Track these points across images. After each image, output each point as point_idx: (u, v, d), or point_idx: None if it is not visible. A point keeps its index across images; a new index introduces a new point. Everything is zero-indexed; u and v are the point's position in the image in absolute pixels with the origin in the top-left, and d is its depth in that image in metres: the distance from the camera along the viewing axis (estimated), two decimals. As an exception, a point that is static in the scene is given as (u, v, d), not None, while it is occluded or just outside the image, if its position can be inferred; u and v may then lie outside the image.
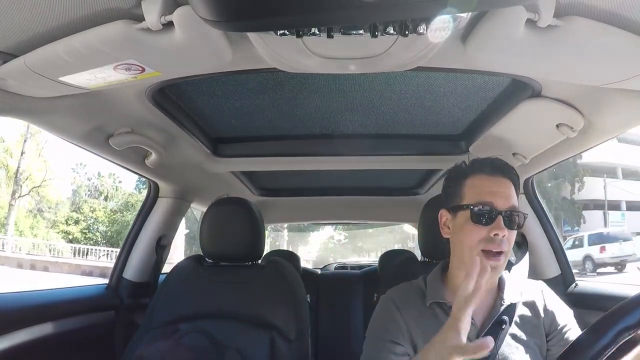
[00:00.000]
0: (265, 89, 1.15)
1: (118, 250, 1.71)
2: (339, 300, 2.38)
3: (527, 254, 1.38)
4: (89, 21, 0.66)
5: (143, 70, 0.77)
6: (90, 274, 13.05)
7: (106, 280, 1.58)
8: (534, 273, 1.47)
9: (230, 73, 0.90)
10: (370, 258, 8.27)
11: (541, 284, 0.93)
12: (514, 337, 0.82)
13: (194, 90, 1.13)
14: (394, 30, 0.56)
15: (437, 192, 1.15)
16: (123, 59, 0.72)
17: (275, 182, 2.29)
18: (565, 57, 0.72)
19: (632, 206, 20.44)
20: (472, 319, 0.82)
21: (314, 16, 0.45)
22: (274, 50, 0.71)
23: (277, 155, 1.55)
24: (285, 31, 0.59)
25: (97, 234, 21.83)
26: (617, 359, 0.50)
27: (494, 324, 0.82)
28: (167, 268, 1.51)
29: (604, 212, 18.71)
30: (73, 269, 13.63)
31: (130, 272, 1.57)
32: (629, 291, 1.25)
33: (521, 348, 0.81)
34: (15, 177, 18.58)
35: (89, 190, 23.30)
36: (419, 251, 1.30)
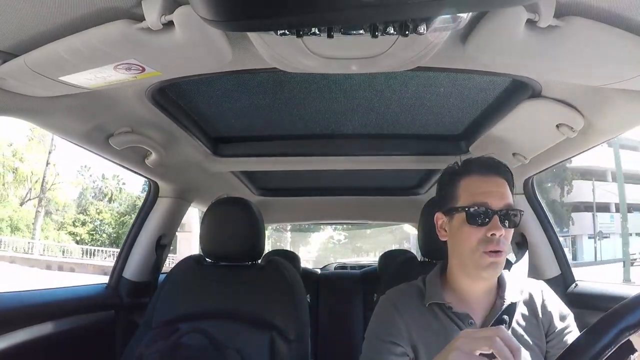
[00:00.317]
0: (265, 89, 1.15)
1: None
2: (339, 300, 2.38)
3: (527, 253, 1.38)
4: (89, 21, 0.66)
5: (143, 70, 0.77)
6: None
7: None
8: (534, 273, 1.47)
9: (230, 73, 0.90)
10: (369, 258, 8.28)
11: (541, 284, 0.93)
12: (515, 336, 0.82)
13: (194, 90, 1.13)
14: (394, 30, 0.56)
15: (437, 192, 1.15)
16: (123, 59, 0.72)
17: (275, 182, 2.29)
18: (566, 57, 0.72)
19: (618, 208, 20.66)
20: (472, 318, 0.83)
21: (314, 16, 0.45)
22: (274, 50, 0.71)
23: (277, 155, 1.55)
24: (285, 31, 0.59)
25: (104, 235, 22.30)
26: None
27: (494, 323, 0.81)
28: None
29: (592, 214, 19.30)
30: (97, 270, 14.02)
31: (130, 272, 1.57)
32: (629, 291, 1.26)
33: (523, 346, 0.81)
34: (42, 186, 19.82)
35: (94, 193, 23.76)
36: (414, 251, 1.30)
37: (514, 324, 0.83)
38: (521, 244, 1.58)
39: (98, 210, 22.61)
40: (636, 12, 0.63)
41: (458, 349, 0.59)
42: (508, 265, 1.00)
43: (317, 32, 0.58)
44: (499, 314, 0.82)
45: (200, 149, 1.43)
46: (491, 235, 0.78)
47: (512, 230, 0.81)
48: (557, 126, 1.04)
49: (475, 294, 0.85)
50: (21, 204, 20.31)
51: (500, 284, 0.87)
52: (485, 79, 1.06)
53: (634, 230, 19.82)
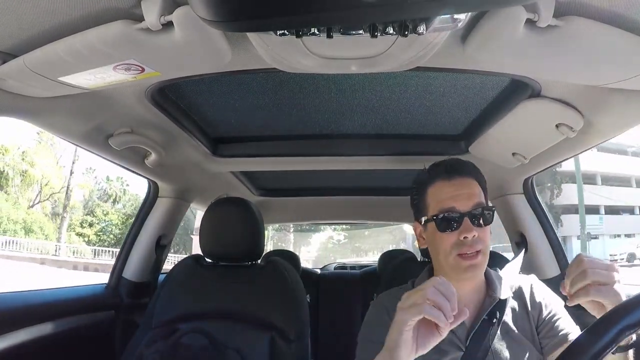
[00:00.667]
0: (265, 89, 1.15)
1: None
2: (338, 300, 2.38)
3: (523, 252, 1.39)
4: (89, 21, 0.66)
5: (143, 70, 0.77)
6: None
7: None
8: (534, 273, 1.47)
9: (229, 73, 0.90)
10: (369, 258, 8.29)
11: (531, 278, 0.93)
12: (506, 332, 0.82)
13: (193, 90, 1.13)
14: (393, 30, 0.56)
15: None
16: (123, 59, 0.72)
17: (275, 182, 2.29)
18: (565, 57, 0.72)
19: (610, 210, 22.26)
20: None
21: (314, 16, 0.45)
22: (273, 50, 0.71)
23: (277, 156, 1.55)
24: (285, 31, 0.59)
25: (111, 235, 22.73)
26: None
27: (484, 321, 0.82)
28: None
29: (581, 216, 19.59)
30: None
31: (130, 272, 1.57)
32: (630, 291, 1.25)
33: (514, 343, 0.81)
34: (66, 193, 20.58)
35: (99, 195, 24.25)
36: (411, 250, 1.30)
37: (504, 320, 0.83)
38: (521, 243, 1.58)
39: (105, 212, 23.19)
40: (635, 12, 0.63)
41: (396, 324, 0.62)
42: (502, 263, 1.00)
43: (317, 32, 0.58)
44: (488, 312, 0.82)
45: (199, 149, 1.43)
46: (463, 238, 0.78)
47: (487, 228, 0.82)
48: (557, 126, 1.04)
49: (463, 294, 0.85)
50: (30, 207, 20.86)
51: (490, 282, 0.87)
52: (485, 79, 1.06)
53: (623, 231, 21.43)
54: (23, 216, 19.51)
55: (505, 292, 0.85)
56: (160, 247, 1.65)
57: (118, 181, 23.84)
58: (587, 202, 19.77)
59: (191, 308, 1.23)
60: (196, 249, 1.72)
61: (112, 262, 1.73)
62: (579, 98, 0.94)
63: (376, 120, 1.37)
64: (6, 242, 16.57)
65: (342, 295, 2.39)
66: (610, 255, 17.48)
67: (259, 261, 1.36)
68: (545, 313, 0.85)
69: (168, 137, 1.27)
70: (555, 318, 0.83)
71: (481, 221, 0.80)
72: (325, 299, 2.38)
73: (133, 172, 1.44)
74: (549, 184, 20.30)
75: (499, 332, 0.82)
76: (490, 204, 0.84)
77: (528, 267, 1.14)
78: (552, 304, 0.86)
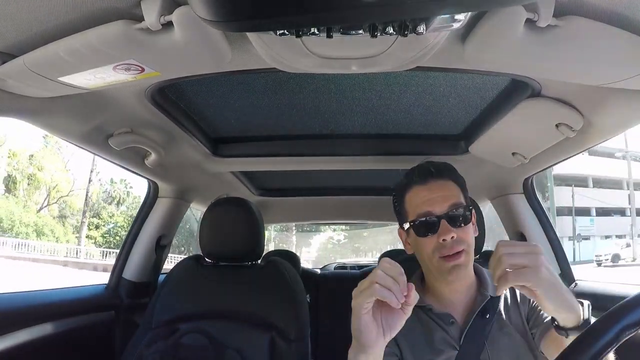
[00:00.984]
0: (265, 89, 1.15)
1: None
2: (338, 300, 2.36)
3: None
4: (89, 21, 0.66)
5: (142, 70, 0.77)
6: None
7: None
8: None
9: (229, 73, 0.90)
10: (369, 258, 8.28)
11: None
12: (500, 328, 0.82)
13: (193, 90, 1.13)
14: (393, 30, 0.56)
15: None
16: (122, 59, 0.72)
17: (275, 182, 2.29)
18: (565, 56, 0.72)
19: (603, 212, 23.04)
20: (453, 317, 0.84)
21: (314, 16, 0.44)
22: (273, 50, 0.71)
23: (277, 156, 1.55)
24: (285, 31, 0.59)
25: (117, 237, 23.15)
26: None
27: (476, 318, 0.82)
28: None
29: (573, 218, 20.74)
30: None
31: (130, 272, 1.57)
32: (630, 290, 1.25)
33: (508, 339, 0.81)
34: (86, 199, 21.89)
35: (104, 197, 24.67)
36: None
37: (497, 316, 0.84)
38: None
39: (110, 214, 23.75)
40: (635, 12, 0.63)
41: (354, 310, 0.63)
42: None
43: (317, 32, 0.58)
44: (480, 309, 0.82)
45: (199, 149, 1.43)
46: (442, 241, 0.79)
47: (468, 227, 0.82)
48: (557, 125, 1.04)
49: (454, 294, 0.86)
50: (39, 210, 21.48)
51: (482, 280, 0.88)
52: (485, 78, 1.06)
53: (614, 232, 22.08)
54: (34, 219, 20.04)
55: (497, 289, 0.86)
56: (160, 247, 1.65)
57: (122, 183, 24.38)
58: (578, 204, 21.03)
59: (191, 308, 1.23)
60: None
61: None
62: (579, 98, 0.95)
63: (376, 120, 1.37)
64: (18, 244, 17.06)
65: (342, 295, 2.38)
66: (596, 256, 18.02)
67: (259, 261, 1.36)
68: (532, 302, 0.85)
69: (168, 137, 1.27)
70: (540, 307, 0.83)
71: (460, 221, 0.80)
72: (325, 299, 2.38)
73: (133, 172, 1.44)
74: (540, 187, 20.92)
75: (493, 328, 0.82)
76: (466, 203, 0.84)
77: None
78: None
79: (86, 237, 22.43)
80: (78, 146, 1.14)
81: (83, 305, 1.38)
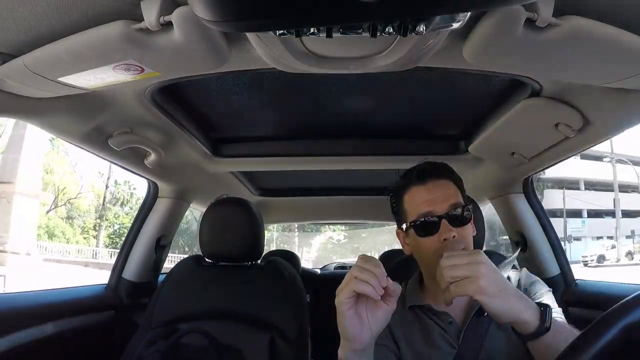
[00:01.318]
0: (265, 89, 1.15)
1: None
2: None
3: (518, 250, 1.40)
4: (88, 21, 0.66)
5: (142, 70, 0.77)
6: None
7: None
8: (534, 272, 1.47)
9: (229, 73, 0.90)
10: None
11: (523, 271, 0.93)
12: (499, 327, 0.82)
13: (193, 90, 1.13)
14: (393, 30, 0.56)
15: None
16: (122, 59, 0.72)
17: (275, 182, 2.29)
18: (564, 56, 0.72)
19: (593, 214, 23.97)
20: (451, 316, 0.84)
21: (313, 16, 0.44)
22: (273, 51, 0.71)
23: (277, 156, 1.55)
24: (285, 31, 0.59)
25: (123, 238, 23.22)
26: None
27: (474, 318, 0.82)
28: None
29: (564, 220, 21.19)
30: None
31: (130, 272, 1.57)
32: (630, 290, 1.25)
33: (507, 337, 0.81)
34: (103, 204, 22.99)
35: (109, 198, 25.01)
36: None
37: None
38: (520, 243, 1.58)
39: (116, 215, 24.20)
40: (635, 12, 0.63)
41: (337, 308, 0.67)
42: (498, 262, 1.00)
43: (316, 32, 0.58)
44: (477, 309, 0.82)
45: (199, 150, 1.43)
46: (444, 240, 0.79)
47: (467, 227, 0.82)
48: (556, 125, 1.04)
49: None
50: (47, 212, 21.74)
51: None
52: (485, 78, 1.06)
53: (606, 233, 22.53)
54: (45, 221, 20.34)
55: None
56: (160, 248, 1.65)
57: (125, 185, 24.71)
58: (570, 206, 21.72)
59: (191, 308, 1.23)
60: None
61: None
62: (579, 97, 0.95)
63: (376, 120, 1.37)
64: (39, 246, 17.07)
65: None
66: (583, 256, 18.65)
67: (258, 261, 1.36)
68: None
69: (168, 138, 1.26)
70: (536, 301, 0.83)
71: (460, 220, 0.80)
72: (325, 299, 2.37)
73: (133, 172, 1.44)
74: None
75: (491, 327, 0.82)
76: (465, 202, 0.84)
77: (528, 267, 1.14)
78: (536, 289, 0.86)
79: (93, 237, 22.94)
80: (78, 146, 1.14)
81: (83, 305, 1.38)
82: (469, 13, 0.62)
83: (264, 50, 0.72)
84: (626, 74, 0.75)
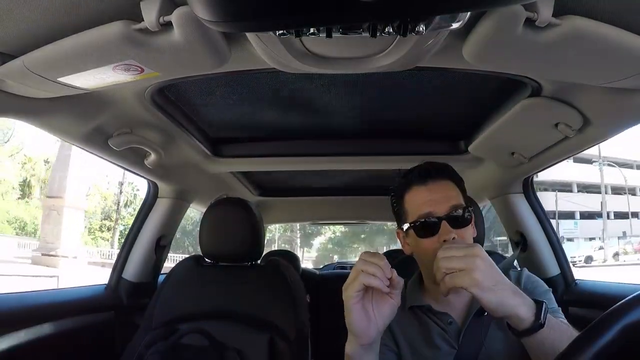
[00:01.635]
0: (265, 89, 1.15)
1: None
2: (338, 300, 2.36)
3: (519, 250, 1.39)
4: (88, 22, 0.66)
5: (142, 70, 0.77)
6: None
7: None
8: (534, 272, 1.47)
9: (229, 73, 0.90)
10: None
11: (523, 271, 0.93)
12: (499, 327, 0.82)
13: (193, 90, 1.13)
14: (393, 30, 0.56)
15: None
16: (122, 60, 0.72)
17: (275, 182, 2.29)
18: (564, 56, 0.72)
19: (586, 215, 24.78)
20: (451, 316, 0.84)
21: (313, 16, 0.45)
22: (273, 50, 0.71)
23: (276, 156, 1.55)
24: (284, 31, 0.59)
25: None
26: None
27: (474, 318, 0.82)
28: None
29: (556, 221, 21.76)
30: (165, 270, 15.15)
31: (130, 273, 1.57)
32: (630, 290, 1.26)
33: (507, 336, 0.81)
34: (117, 207, 23.40)
35: (113, 199, 25.30)
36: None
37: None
38: (520, 243, 1.58)
39: (122, 216, 24.37)
40: (635, 12, 0.63)
41: (345, 303, 0.69)
42: (498, 260, 1.00)
43: (316, 32, 0.58)
44: (477, 309, 0.82)
45: (199, 150, 1.43)
46: (443, 241, 0.78)
47: (468, 228, 0.82)
48: (556, 125, 1.04)
49: (452, 294, 0.86)
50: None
51: None
52: (485, 78, 1.06)
53: (598, 234, 23.17)
54: None
55: None
56: (160, 248, 1.65)
57: (129, 186, 25.01)
58: (563, 208, 22.49)
59: (191, 308, 1.23)
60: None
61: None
62: (578, 97, 0.95)
63: (376, 120, 1.37)
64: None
65: (342, 295, 2.39)
66: (571, 257, 19.03)
67: (258, 261, 1.36)
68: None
69: (167, 138, 1.27)
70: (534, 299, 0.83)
71: (460, 222, 0.80)
72: (325, 299, 2.38)
73: (133, 172, 1.44)
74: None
75: (491, 327, 0.82)
76: (466, 204, 0.84)
77: (528, 266, 1.15)
78: (536, 288, 0.86)
79: (101, 238, 23.29)
80: (78, 146, 1.14)
81: (83, 306, 1.37)
82: (468, 13, 0.62)
83: (264, 50, 0.72)
84: (626, 74, 0.75)
